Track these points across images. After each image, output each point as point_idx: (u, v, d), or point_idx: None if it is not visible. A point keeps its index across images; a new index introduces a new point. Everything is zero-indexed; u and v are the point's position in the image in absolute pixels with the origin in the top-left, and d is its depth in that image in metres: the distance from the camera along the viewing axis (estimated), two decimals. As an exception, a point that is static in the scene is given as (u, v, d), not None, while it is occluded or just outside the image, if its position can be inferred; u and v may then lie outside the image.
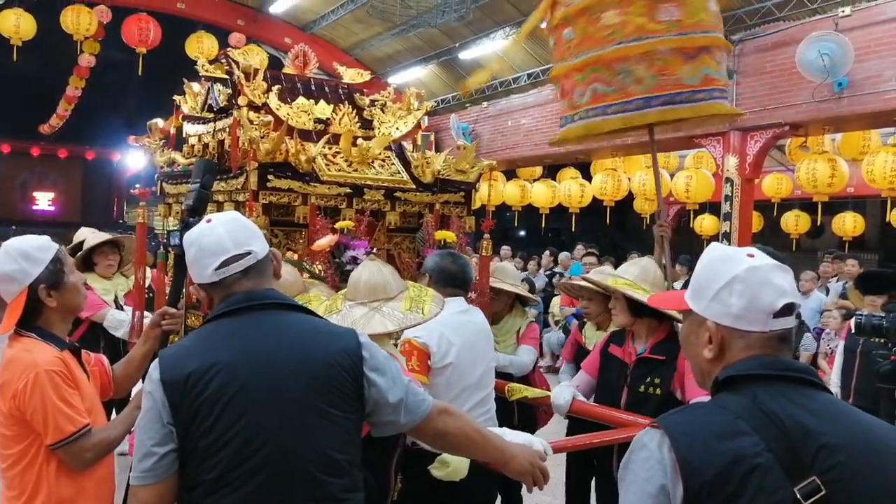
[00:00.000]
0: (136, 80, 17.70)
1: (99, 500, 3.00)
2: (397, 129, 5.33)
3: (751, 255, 1.92)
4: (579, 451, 4.51)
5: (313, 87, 5.48)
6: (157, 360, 2.29)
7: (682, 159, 16.94)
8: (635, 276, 4.29)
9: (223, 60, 5.27)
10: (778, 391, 1.80)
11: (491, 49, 17.10)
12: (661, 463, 1.76)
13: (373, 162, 5.04)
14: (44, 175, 33.29)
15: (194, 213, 3.80)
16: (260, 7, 19.32)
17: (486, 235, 4.95)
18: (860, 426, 1.81)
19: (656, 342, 4.11)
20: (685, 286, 2.19)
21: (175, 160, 5.83)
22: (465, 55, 17.73)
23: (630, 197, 17.44)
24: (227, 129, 5.03)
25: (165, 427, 2.19)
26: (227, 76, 5.27)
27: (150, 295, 6.31)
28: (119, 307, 6.33)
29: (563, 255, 15.08)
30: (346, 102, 5.38)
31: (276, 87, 5.10)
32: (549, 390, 4.69)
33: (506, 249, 15.70)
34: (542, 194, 17.48)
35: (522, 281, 6.59)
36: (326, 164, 4.83)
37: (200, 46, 16.86)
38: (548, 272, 14.67)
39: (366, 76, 5.90)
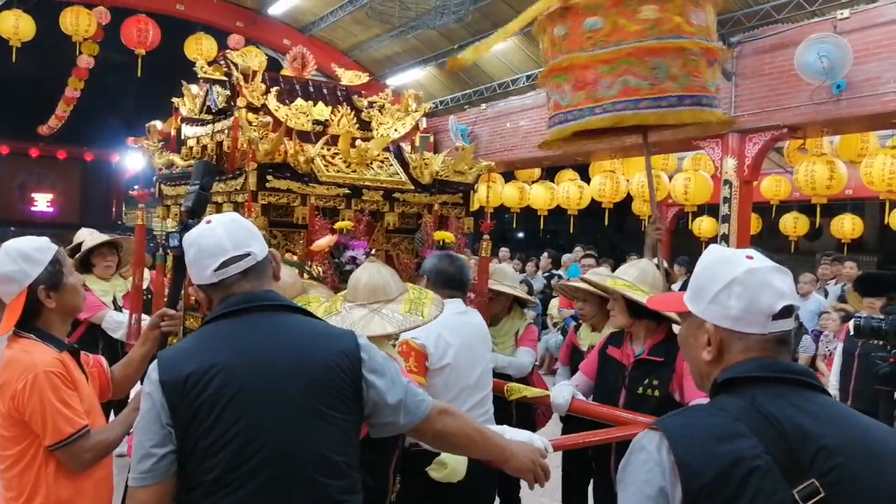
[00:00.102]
0: (134, 81, 17.71)
1: (97, 502, 3.00)
2: (395, 130, 5.34)
3: (750, 257, 1.92)
4: (576, 452, 4.51)
5: (311, 89, 5.49)
6: (155, 362, 2.29)
7: (680, 161, 16.94)
8: (634, 278, 4.29)
9: (222, 62, 5.28)
10: (776, 393, 1.80)
11: (489, 51, 17.08)
12: (660, 465, 1.75)
13: (371, 163, 5.04)
14: (42, 176, 33.27)
15: (193, 215, 3.81)
16: (259, 9, 19.32)
17: (486, 236, 4.96)
18: (859, 428, 1.80)
19: (655, 344, 4.10)
20: (683, 287, 2.19)
21: (173, 162, 5.83)
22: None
23: (629, 199, 17.45)
24: (226, 131, 5.03)
25: (164, 428, 2.19)
26: (225, 78, 5.28)
27: (149, 296, 6.31)
28: (118, 308, 6.32)
29: (567, 257, 15.06)
30: (345, 104, 5.39)
31: (275, 88, 5.10)
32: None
33: (504, 251, 15.71)
34: (540, 196, 17.49)
35: (521, 283, 6.59)
36: (325, 165, 4.84)
37: (199, 48, 16.87)
38: (546, 274, 14.66)
39: (364, 78, 5.90)
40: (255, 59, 5.50)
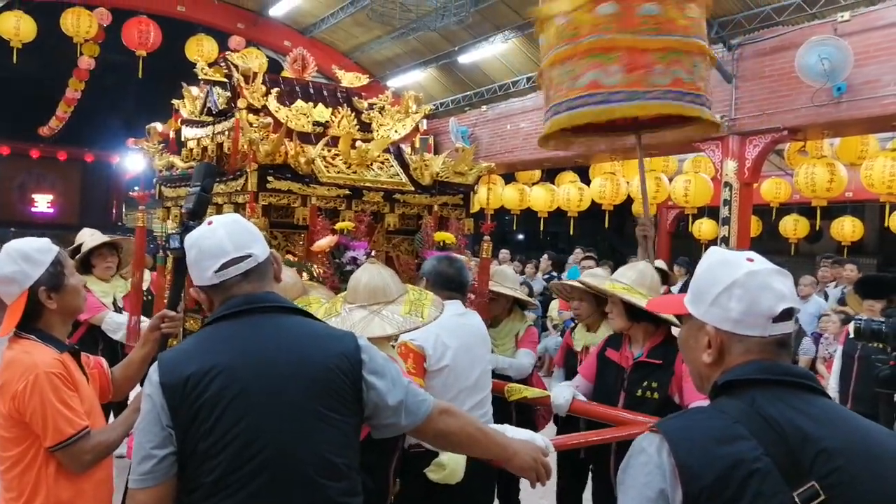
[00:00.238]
0: (135, 82, 17.69)
1: (98, 503, 3.00)
2: (395, 131, 5.34)
3: (750, 260, 1.92)
4: (572, 454, 4.51)
5: (312, 91, 5.50)
6: (156, 363, 2.29)
7: (680, 163, 16.94)
8: (632, 281, 4.29)
9: (222, 63, 5.28)
10: (776, 396, 1.80)
11: (490, 53, 17.10)
12: (660, 467, 1.75)
13: (371, 164, 5.05)
14: (43, 177, 33.26)
15: (194, 217, 3.80)
16: (260, 10, 19.30)
17: (486, 238, 4.96)
18: (859, 431, 1.80)
19: (653, 346, 4.11)
20: (683, 289, 2.19)
21: (174, 164, 5.84)
22: (464, 59, 17.72)
23: (629, 201, 17.44)
24: (227, 132, 5.04)
25: (164, 430, 2.19)
26: (226, 79, 5.28)
27: (149, 298, 6.31)
28: (118, 310, 6.32)
29: (572, 259, 15.03)
30: (345, 105, 5.39)
31: (276, 89, 5.11)
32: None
33: (504, 253, 15.69)
34: (540, 198, 17.49)
35: (521, 284, 6.59)
36: (325, 166, 4.84)
37: (200, 49, 16.85)
38: (546, 276, 14.66)
39: (364, 80, 5.91)
40: (255, 60, 5.51)
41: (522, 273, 14.50)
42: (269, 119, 4.88)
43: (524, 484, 2.83)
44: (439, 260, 4.26)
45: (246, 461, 2.16)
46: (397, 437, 3.05)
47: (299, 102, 5.21)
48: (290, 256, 4.73)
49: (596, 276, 4.94)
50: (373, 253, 4.66)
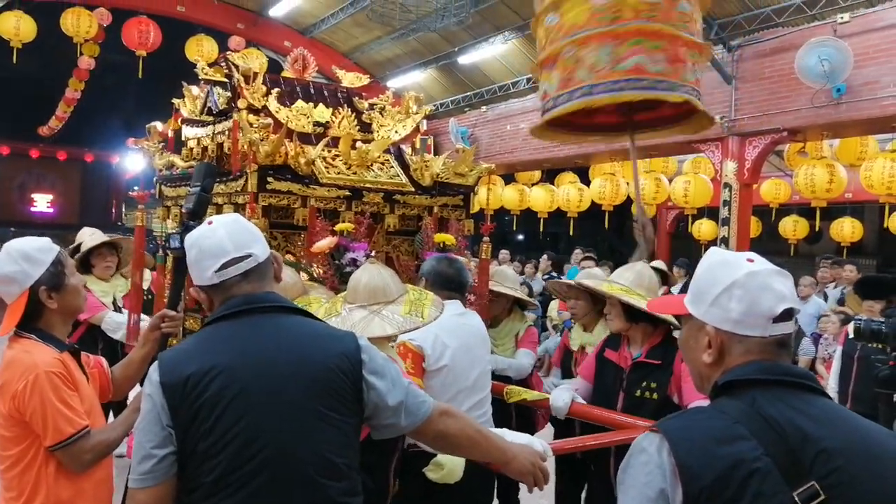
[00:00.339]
0: (135, 82, 17.68)
1: (98, 502, 3.00)
2: (396, 132, 5.34)
3: (750, 260, 1.92)
4: (570, 456, 4.51)
5: (312, 91, 5.50)
6: (156, 363, 2.28)
7: (680, 164, 16.94)
8: (630, 282, 4.28)
9: (223, 63, 5.28)
10: (776, 396, 1.80)
11: (490, 53, 17.10)
12: (661, 467, 1.76)
13: (372, 165, 5.05)
14: (42, 177, 33.26)
15: (194, 217, 3.80)
16: (260, 10, 19.29)
17: (486, 238, 4.96)
18: (858, 431, 1.81)
19: (652, 346, 4.10)
20: (683, 290, 2.19)
21: (174, 163, 5.84)
22: (464, 59, 17.73)
23: (629, 201, 17.39)
24: (227, 132, 5.04)
25: (165, 429, 2.19)
26: (226, 79, 5.28)
27: (150, 297, 6.31)
28: (117, 309, 6.32)
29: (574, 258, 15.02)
30: (346, 106, 5.39)
31: (276, 90, 5.11)
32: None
33: (504, 253, 15.69)
34: (540, 198, 17.48)
35: (521, 285, 6.60)
36: (326, 167, 4.84)
37: (200, 49, 16.84)
38: (546, 276, 14.64)
39: (365, 80, 5.91)
40: (255, 60, 5.51)
41: (522, 273, 14.49)
42: (270, 120, 4.88)
43: (524, 484, 2.83)
44: (438, 260, 4.26)
45: (246, 461, 2.16)
46: (397, 438, 3.05)
47: (300, 103, 5.21)
48: (289, 257, 4.73)
49: (594, 277, 4.94)
50: (373, 253, 4.66)
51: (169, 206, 5.85)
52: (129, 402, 3.26)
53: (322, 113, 5.23)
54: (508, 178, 18.95)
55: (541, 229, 18.73)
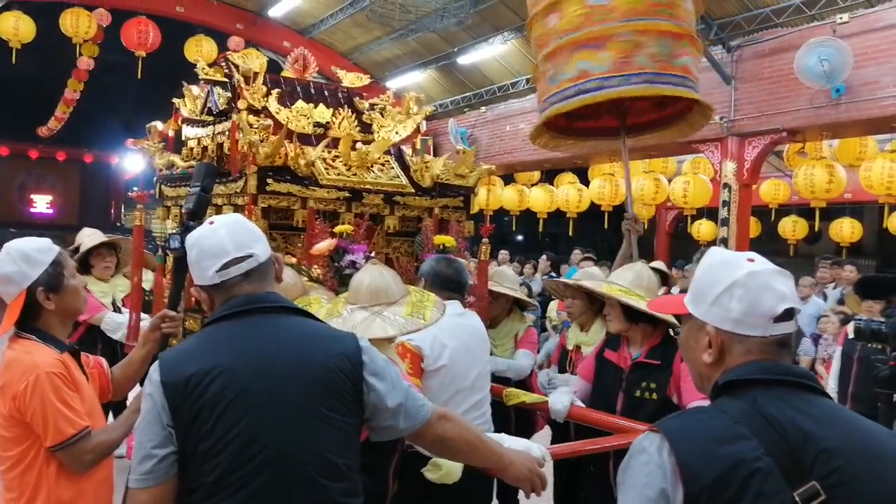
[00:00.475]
0: (134, 83, 17.69)
1: (98, 503, 3.00)
2: (396, 133, 5.33)
3: (751, 260, 1.93)
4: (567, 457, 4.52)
5: (313, 91, 5.49)
6: (157, 363, 2.28)
7: (679, 164, 16.94)
8: (629, 282, 4.28)
9: (222, 64, 5.27)
10: (777, 396, 1.80)
11: (489, 54, 17.11)
12: (661, 467, 1.76)
13: (372, 166, 5.04)
14: (42, 177, 33.20)
15: (194, 217, 3.80)
16: (259, 11, 19.29)
17: (485, 240, 4.95)
18: (859, 431, 1.81)
19: (651, 347, 4.10)
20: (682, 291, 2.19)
21: (174, 163, 5.83)
22: (463, 60, 17.74)
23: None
24: (227, 133, 5.03)
25: (165, 429, 2.18)
26: (226, 79, 5.28)
27: (149, 298, 6.31)
28: (117, 309, 6.32)
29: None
30: (346, 106, 5.38)
31: (276, 90, 5.10)
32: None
33: (504, 254, 15.67)
34: (539, 199, 17.48)
35: (521, 285, 6.59)
36: (325, 168, 4.83)
37: (199, 50, 16.84)
38: (545, 277, 14.63)
39: (365, 80, 5.90)
40: (255, 60, 5.50)
41: (521, 274, 14.48)
42: (270, 121, 4.87)
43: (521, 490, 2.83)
44: (438, 260, 4.26)
45: (246, 461, 2.16)
46: (396, 439, 3.05)
47: (300, 103, 5.20)
48: (289, 258, 4.72)
49: (592, 277, 4.94)
50: (372, 255, 4.65)
51: (169, 207, 5.85)
52: (128, 402, 3.26)
53: (322, 113, 5.22)
54: (508, 179, 18.95)
55: (540, 230, 18.72)
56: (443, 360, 3.86)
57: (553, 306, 12.27)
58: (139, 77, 16.37)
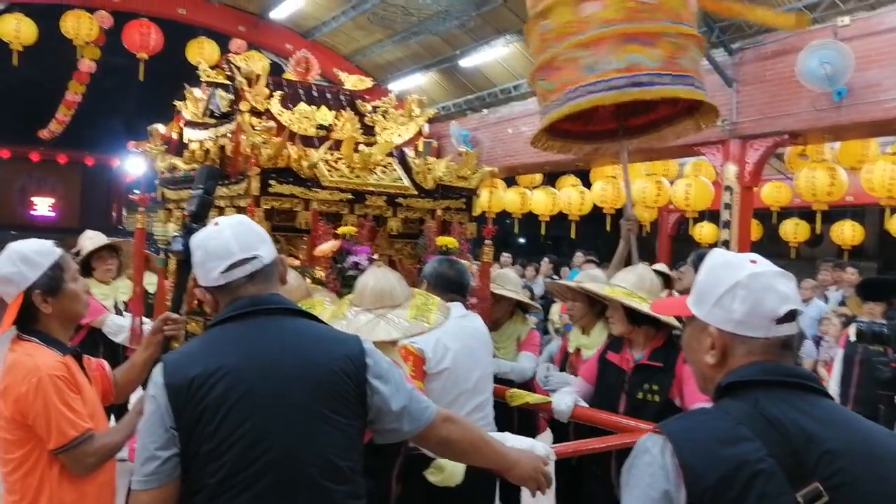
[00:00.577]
0: (136, 85, 17.68)
1: (100, 506, 3.00)
2: (399, 135, 5.33)
3: (753, 262, 1.93)
4: (567, 458, 4.51)
5: (315, 94, 5.49)
6: (160, 365, 2.29)
7: (681, 167, 16.94)
8: (632, 284, 4.29)
9: (225, 66, 5.27)
10: (779, 397, 1.81)
11: (492, 56, 17.11)
12: (664, 468, 1.76)
13: (374, 168, 5.04)
14: (43, 180, 33.14)
15: (197, 219, 3.80)
16: (261, 13, 19.29)
17: (488, 241, 4.95)
18: (861, 432, 1.81)
19: (654, 349, 4.10)
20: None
21: (176, 166, 5.82)
22: (465, 62, 17.74)
23: (629, 205, 17.39)
24: (229, 135, 5.03)
25: (168, 431, 2.19)
26: (228, 82, 5.28)
27: (152, 301, 6.31)
28: (119, 312, 6.32)
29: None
30: (348, 109, 5.38)
31: (279, 92, 5.10)
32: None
33: (506, 257, 15.65)
34: (542, 202, 17.49)
35: (523, 288, 6.59)
36: (328, 170, 4.83)
37: (201, 52, 16.81)
38: (547, 279, 14.62)
39: (367, 83, 5.90)
40: (258, 63, 5.50)
41: (523, 276, 14.47)
42: (272, 123, 4.87)
43: (526, 489, 2.83)
44: (440, 262, 4.27)
45: (251, 462, 2.16)
46: (400, 442, 3.05)
47: (302, 106, 5.20)
48: (292, 259, 4.72)
49: (595, 279, 4.94)
50: (375, 257, 4.65)
51: (170, 210, 5.84)
52: (129, 406, 3.25)
53: (325, 116, 5.22)
54: (510, 181, 18.96)
55: (542, 233, 18.70)
56: (445, 363, 3.87)
57: (555, 309, 12.27)
58: (141, 79, 16.36)
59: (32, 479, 2.83)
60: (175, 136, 6.01)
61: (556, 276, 13.97)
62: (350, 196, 4.83)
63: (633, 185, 16.17)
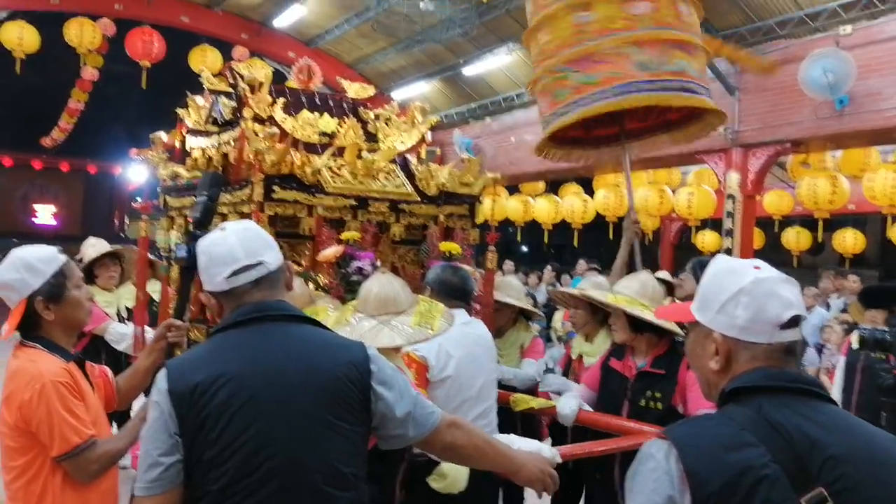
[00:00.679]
0: (139, 93, 17.73)
1: (103, 512, 3.00)
2: (402, 142, 5.34)
3: (757, 268, 1.93)
4: (565, 463, 4.51)
5: (318, 101, 5.50)
6: (164, 371, 2.28)
7: (684, 175, 16.96)
8: (635, 292, 4.29)
9: (227, 74, 5.28)
10: (783, 402, 1.81)
11: (495, 65, 17.12)
12: (669, 474, 1.76)
13: (378, 174, 5.05)
14: (45, 188, 33.21)
15: (201, 226, 3.81)
16: (264, 21, 19.31)
17: (492, 248, 4.95)
18: (864, 437, 1.82)
19: (656, 356, 4.11)
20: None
21: (178, 173, 5.83)
22: (468, 71, 17.76)
23: (632, 212, 17.38)
24: (232, 142, 5.03)
25: (172, 437, 2.18)
26: (231, 89, 5.29)
27: (157, 308, 6.31)
28: (122, 319, 6.32)
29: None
30: (351, 116, 5.39)
31: (281, 99, 5.11)
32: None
33: (509, 265, 15.67)
34: (544, 210, 17.50)
35: (526, 295, 6.59)
36: (332, 177, 4.84)
37: (204, 60, 16.82)
38: (550, 287, 14.62)
39: (370, 90, 5.90)
40: (260, 70, 5.51)
41: (526, 284, 14.47)
42: (275, 129, 4.88)
43: (528, 491, 2.83)
44: (443, 268, 4.27)
45: (255, 468, 2.16)
46: (404, 448, 3.05)
47: (305, 113, 5.21)
48: (295, 266, 4.72)
49: (598, 286, 4.94)
50: (378, 263, 4.66)
51: (173, 217, 5.84)
52: (132, 412, 3.25)
53: (327, 123, 5.23)
54: (512, 190, 18.96)
55: (545, 241, 18.70)
56: (448, 371, 3.86)
57: (558, 317, 12.27)
58: (143, 87, 16.39)
59: (35, 486, 2.83)
60: (177, 143, 6.02)
61: (558, 284, 13.97)
62: (353, 202, 4.84)
63: (635, 193, 16.24)
